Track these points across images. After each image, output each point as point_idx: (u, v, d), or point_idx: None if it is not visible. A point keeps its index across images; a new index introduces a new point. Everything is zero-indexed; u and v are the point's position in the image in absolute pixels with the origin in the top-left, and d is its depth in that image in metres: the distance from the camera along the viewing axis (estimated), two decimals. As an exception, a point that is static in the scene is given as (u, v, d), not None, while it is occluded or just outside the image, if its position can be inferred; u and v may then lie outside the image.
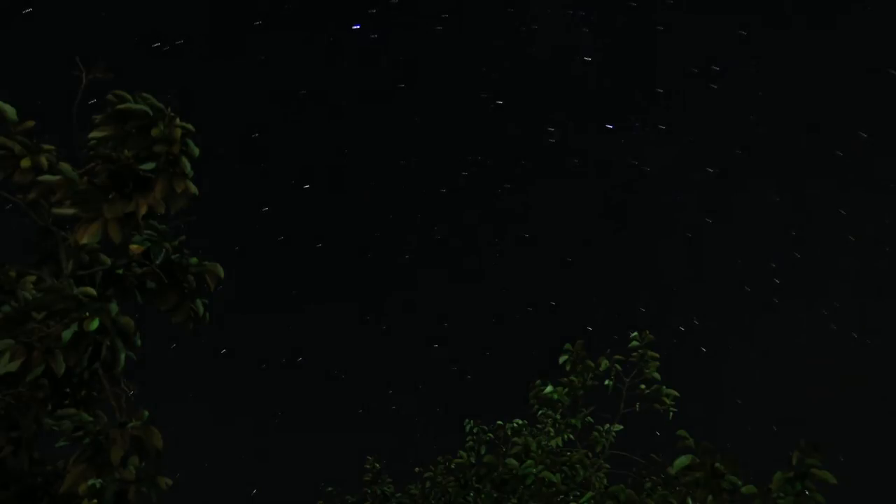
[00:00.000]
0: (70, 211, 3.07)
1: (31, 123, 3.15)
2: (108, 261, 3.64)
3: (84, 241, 3.03)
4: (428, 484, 8.14)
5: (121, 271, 3.73)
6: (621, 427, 7.74)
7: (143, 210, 3.06)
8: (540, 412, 7.78)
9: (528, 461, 7.03)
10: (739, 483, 4.28)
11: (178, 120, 3.08)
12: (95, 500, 3.02)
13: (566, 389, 7.71)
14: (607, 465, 7.62)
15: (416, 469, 8.44)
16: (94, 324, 3.03)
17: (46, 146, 3.12)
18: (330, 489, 9.18)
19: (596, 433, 7.73)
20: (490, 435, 8.08)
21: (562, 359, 7.75)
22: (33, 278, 3.32)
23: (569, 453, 7.48)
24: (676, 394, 7.37)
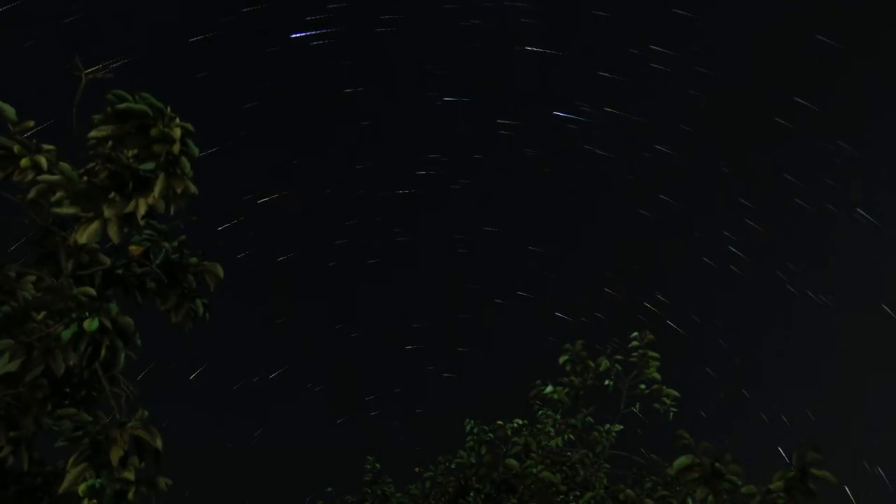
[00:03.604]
0: (70, 211, 3.06)
1: (30, 123, 3.15)
2: (108, 261, 3.64)
3: (83, 240, 3.02)
4: (428, 484, 8.14)
5: (121, 271, 3.74)
6: (621, 427, 7.74)
7: (142, 210, 3.06)
8: (540, 412, 7.77)
9: (529, 461, 7.04)
10: (739, 483, 4.28)
11: (177, 120, 3.08)
12: (95, 501, 3.01)
13: (566, 389, 7.72)
14: (607, 465, 7.61)
15: (416, 469, 8.45)
16: (94, 323, 3.03)
17: (46, 146, 3.12)
18: (330, 489, 9.18)
19: (596, 433, 7.72)
20: (490, 435, 8.08)
21: (562, 358, 7.75)
22: (33, 278, 3.32)
23: (569, 453, 7.48)
24: (676, 394, 7.37)
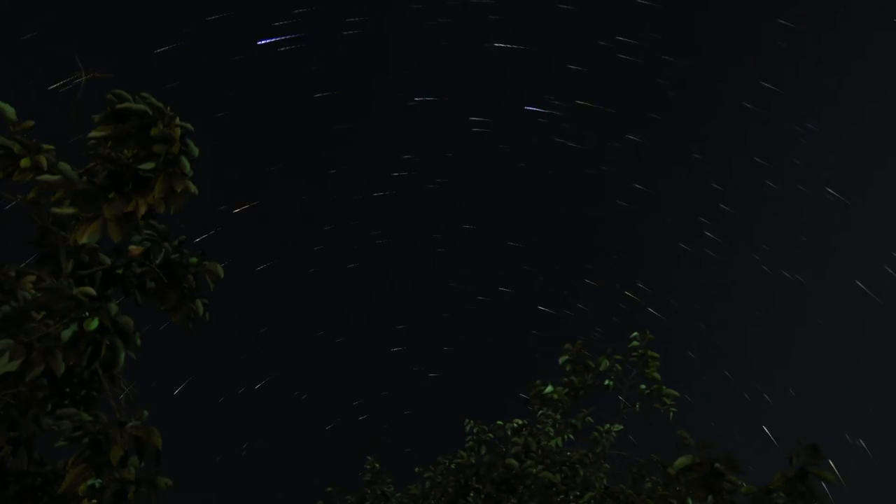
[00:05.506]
0: (70, 210, 3.06)
1: (30, 123, 3.15)
2: (108, 261, 3.63)
3: (83, 240, 3.02)
4: (428, 484, 8.13)
5: (121, 271, 3.73)
6: (621, 427, 7.74)
7: (142, 210, 3.06)
8: (540, 412, 7.77)
9: (529, 461, 7.04)
10: (739, 483, 4.28)
11: (177, 119, 3.08)
12: (95, 501, 3.01)
13: (566, 389, 7.72)
14: (607, 465, 7.61)
15: (416, 469, 8.44)
16: (94, 323, 3.02)
17: (46, 146, 3.11)
18: (330, 489, 9.18)
19: (596, 433, 7.73)
20: (490, 435, 8.07)
21: (562, 359, 7.75)
22: (33, 278, 3.32)
23: (569, 453, 7.48)
24: (676, 394, 7.37)
